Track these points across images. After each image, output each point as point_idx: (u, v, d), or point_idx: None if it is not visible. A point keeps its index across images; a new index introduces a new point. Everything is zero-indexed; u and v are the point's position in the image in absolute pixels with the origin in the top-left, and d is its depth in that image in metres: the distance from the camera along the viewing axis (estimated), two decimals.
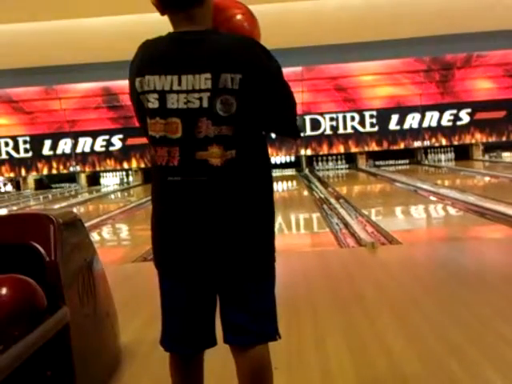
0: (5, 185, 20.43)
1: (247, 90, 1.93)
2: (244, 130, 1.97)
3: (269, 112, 2.03)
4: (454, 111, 19.53)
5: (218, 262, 2.03)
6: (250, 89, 1.94)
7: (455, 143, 19.75)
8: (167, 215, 2.04)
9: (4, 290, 2.20)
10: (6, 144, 20.23)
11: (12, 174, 20.47)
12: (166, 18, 2.05)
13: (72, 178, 20.60)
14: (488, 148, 19.74)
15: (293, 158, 20.01)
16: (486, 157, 19.50)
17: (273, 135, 2.22)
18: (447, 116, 19.60)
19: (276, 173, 18.69)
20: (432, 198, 10.87)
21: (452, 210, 9.61)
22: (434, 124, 19.63)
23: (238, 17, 2.16)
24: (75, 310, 2.63)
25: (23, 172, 20.39)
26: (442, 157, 19.86)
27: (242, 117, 1.95)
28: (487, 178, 14.55)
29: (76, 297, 2.71)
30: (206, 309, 2.12)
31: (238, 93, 1.92)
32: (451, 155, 19.89)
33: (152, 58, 1.99)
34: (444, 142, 19.75)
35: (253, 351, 2.10)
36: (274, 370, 2.19)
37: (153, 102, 1.96)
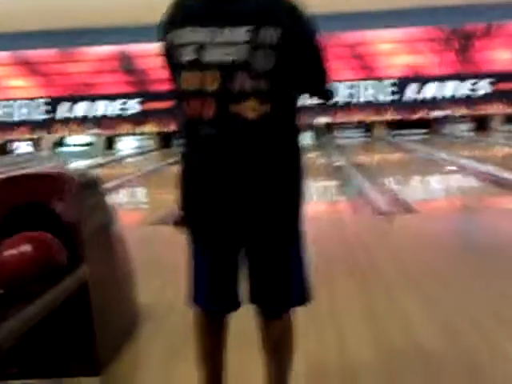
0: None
1: (286, 46, 1.91)
2: (280, 86, 1.94)
3: (304, 71, 2.03)
4: (474, 81, 19.28)
5: (247, 219, 2.00)
6: (289, 45, 1.92)
7: (474, 113, 19.55)
8: (198, 167, 2.00)
9: (25, 247, 2.21)
10: (24, 106, 20.26)
11: (30, 136, 20.54)
12: None
13: None
14: (508, 119, 19.51)
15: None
16: (506, 127, 19.28)
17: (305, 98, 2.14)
18: (467, 85, 19.36)
19: None
20: (450, 167, 10.79)
21: (470, 180, 9.55)
22: (452, 93, 19.41)
23: None
24: (94, 268, 2.64)
25: (41, 133, 20.45)
26: (461, 127, 19.66)
27: (279, 72, 1.92)
28: (506, 149, 14.40)
29: (95, 256, 2.72)
30: (233, 269, 2.12)
31: (276, 47, 1.90)
32: (470, 125, 19.69)
33: (189, 10, 1.98)
34: (463, 111, 19.55)
35: (277, 321, 2.16)
36: None
37: (189, 55, 1.93)
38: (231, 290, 2.15)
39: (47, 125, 20.30)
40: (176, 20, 1.98)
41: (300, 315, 3.42)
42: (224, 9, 1.92)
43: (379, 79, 19.50)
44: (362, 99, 19.60)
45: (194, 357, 2.26)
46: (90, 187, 2.93)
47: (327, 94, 2.19)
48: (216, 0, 1.94)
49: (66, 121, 20.24)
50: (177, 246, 5.46)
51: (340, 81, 19.44)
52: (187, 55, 1.94)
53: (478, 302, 3.52)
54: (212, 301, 2.16)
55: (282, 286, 2.11)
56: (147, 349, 3.06)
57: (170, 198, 9.56)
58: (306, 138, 19.59)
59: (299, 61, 1.98)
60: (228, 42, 1.90)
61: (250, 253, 2.09)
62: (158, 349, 3.03)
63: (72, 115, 20.19)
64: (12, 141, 20.70)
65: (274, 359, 2.19)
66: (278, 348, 2.18)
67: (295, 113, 2.06)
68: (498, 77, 19.03)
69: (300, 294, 2.17)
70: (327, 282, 4.09)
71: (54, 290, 2.21)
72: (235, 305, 2.19)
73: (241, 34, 1.89)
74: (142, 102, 19.82)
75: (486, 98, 19.32)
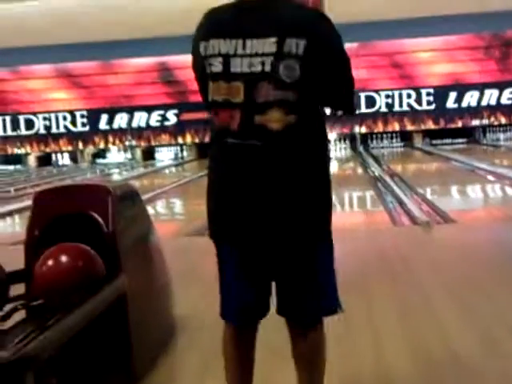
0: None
1: (311, 57, 1.92)
2: (306, 97, 1.96)
3: (328, 83, 2.02)
4: None
5: (272, 229, 1.99)
6: (314, 56, 1.93)
7: None
8: (224, 178, 2.03)
9: (65, 258, 2.25)
10: (65, 118, 20.60)
11: (70, 148, 20.86)
12: None
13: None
14: None
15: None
16: None
17: (327, 111, 2.16)
18: (507, 94, 19.10)
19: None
20: (490, 177, 10.65)
21: (510, 191, 9.41)
22: (493, 102, 19.16)
23: None
24: (132, 279, 2.66)
25: (80, 145, 20.76)
26: (501, 136, 19.40)
27: (305, 83, 1.93)
28: None
29: (133, 267, 2.75)
30: (262, 276, 2.10)
31: (302, 58, 1.91)
32: (511, 134, 19.41)
33: (217, 22, 2.02)
34: (503, 120, 19.28)
35: (310, 331, 2.13)
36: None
37: (216, 66, 1.97)
38: (263, 297, 2.14)
39: (87, 137, 20.60)
40: (205, 32, 2.02)
41: (337, 325, 3.41)
42: (250, 20, 1.95)
43: (418, 88, 19.35)
44: (400, 108, 19.48)
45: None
46: (128, 198, 2.96)
47: (351, 107, 2.18)
48: (243, 12, 1.97)
49: (105, 133, 20.51)
50: (213, 257, 5.50)
51: (377, 90, 19.37)
52: (215, 67, 1.97)
53: None
54: (243, 312, 2.15)
55: (311, 296, 2.09)
56: (182, 361, 3.07)
57: (205, 209, 9.49)
58: (344, 148, 19.54)
59: (326, 72, 1.98)
60: (253, 54, 1.92)
61: (278, 263, 2.08)
62: (193, 361, 3.05)
63: (111, 127, 20.45)
64: (52, 153, 21.05)
65: (305, 372, 2.16)
66: (309, 361, 2.16)
67: (321, 123, 2.07)
68: None
69: (329, 304, 2.14)
70: (365, 292, 4.07)
71: (93, 301, 2.24)
72: (265, 312, 2.17)
73: (266, 45, 1.91)
74: (179, 113, 19.99)
75: None
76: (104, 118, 20.40)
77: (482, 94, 19.15)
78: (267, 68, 1.91)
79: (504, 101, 19.15)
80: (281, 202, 1.98)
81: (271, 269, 2.09)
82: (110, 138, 20.54)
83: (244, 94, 1.93)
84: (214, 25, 2.02)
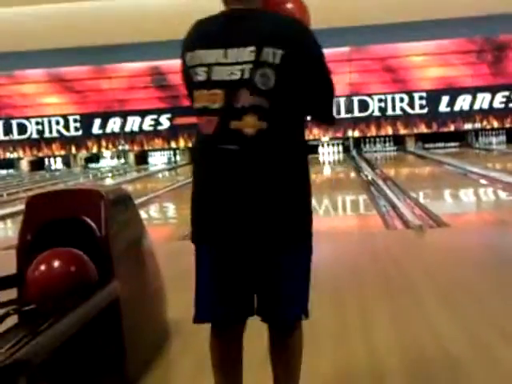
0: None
1: (287, 67, 1.99)
2: (279, 105, 2.02)
3: (306, 93, 2.08)
4: (507, 93, 19.10)
5: (248, 230, 2.05)
6: (291, 66, 2.00)
7: (507, 126, 19.34)
8: (204, 181, 2.12)
9: (57, 263, 2.25)
10: (57, 122, 20.56)
11: (62, 152, 20.82)
12: None
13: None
14: None
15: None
16: None
17: (308, 118, 2.21)
18: (499, 98, 19.17)
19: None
20: (482, 181, 10.68)
21: (503, 194, 9.44)
22: (485, 106, 19.23)
23: (289, 5, 2.21)
24: (125, 284, 2.66)
25: (73, 150, 20.72)
26: (494, 139, 19.47)
27: (279, 91, 2.00)
28: None
29: (126, 271, 2.75)
30: (243, 275, 2.11)
31: (277, 68, 1.98)
32: (503, 138, 19.48)
33: (202, 33, 2.11)
34: (496, 124, 19.35)
35: (287, 336, 2.17)
36: None
37: (201, 75, 2.06)
38: (240, 295, 2.13)
39: (79, 141, 20.57)
40: (191, 43, 2.11)
41: (329, 327, 3.42)
42: (233, 31, 2.04)
43: (411, 92, 19.41)
44: (392, 112, 19.52)
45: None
46: (121, 203, 2.96)
47: (330, 117, 2.22)
48: (227, 23, 2.07)
49: (98, 137, 20.48)
50: None
51: (370, 94, 19.41)
52: (199, 76, 2.06)
53: (508, 315, 3.48)
54: (218, 310, 2.15)
55: (286, 301, 2.11)
56: (176, 365, 3.08)
57: None
58: (337, 152, 19.58)
59: (302, 82, 2.05)
60: (233, 62, 2.01)
61: (255, 265, 2.10)
62: (186, 365, 3.05)
63: (104, 131, 20.42)
64: (45, 157, 21.01)
65: (283, 373, 2.20)
66: (286, 362, 2.19)
67: (296, 129, 2.12)
68: None
69: (303, 309, 2.16)
70: (358, 295, 4.08)
71: (85, 306, 2.24)
72: (246, 312, 2.16)
73: (245, 53, 1.99)
74: (172, 118, 20.00)
75: None
76: (97, 122, 20.37)
77: (474, 98, 19.21)
78: (246, 75, 1.99)
79: (496, 105, 19.22)
80: (256, 204, 2.04)
81: (249, 271, 2.11)
82: (103, 143, 20.52)
83: (223, 101, 2.02)
84: (200, 36, 2.11)
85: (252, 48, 1.98)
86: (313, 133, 18.46)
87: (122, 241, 2.78)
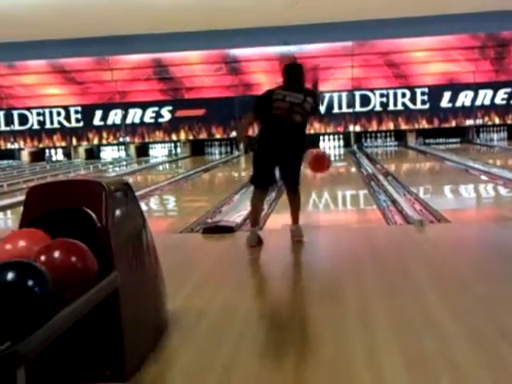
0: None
1: (311, 104, 5.60)
2: (307, 115, 5.68)
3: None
4: (509, 90, 19.08)
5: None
6: (312, 103, 5.61)
7: (509, 122, 19.32)
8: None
9: (58, 254, 2.24)
10: (58, 113, 20.56)
11: (63, 143, 20.82)
12: None
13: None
14: None
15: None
16: None
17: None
18: (501, 94, 19.16)
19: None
20: (483, 177, 10.68)
21: (503, 191, 9.43)
22: (487, 102, 19.21)
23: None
24: (125, 275, 2.66)
25: (74, 141, 20.72)
26: (495, 136, 19.46)
27: (309, 110, 5.63)
28: None
29: (126, 263, 2.74)
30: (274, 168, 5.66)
31: (310, 104, 5.60)
32: (504, 134, 19.47)
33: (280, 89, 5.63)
34: (497, 120, 19.34)
35: (294, 190, 5.69)
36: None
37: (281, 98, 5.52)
38: (273, 176, 5.66)
39: (81, 133, 20.56)
40: (273, 91, 5.59)
41: (328, 319, 3.42)
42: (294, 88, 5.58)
43: (412, 87, 19.39)
44: (394, 107, 19.51)
45: (222, 366, 2.24)
46: (122, 194, 2.95)
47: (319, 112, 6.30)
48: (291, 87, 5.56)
49: (100, 129, 20.47)
50: (205, 253, 5.52)
51: (372, 89, 19.40)
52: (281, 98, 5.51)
53: (509, 312, 3.48)
54: (264, 182, 5.65)
55: (294, 176, 5.61)
56: (175, 357, 3.07)
57: (199, 205, 9.68)
58: (338, 147, 19.56)
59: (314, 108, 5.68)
60: (295, 97, 5.49)
61: (282, 165, 5.61)
62: (185, 357, 3.04)
63: (105, 123, 20.42)
64: (46, 148, 21.01)
65: (293, 203, 5.70)
66: (294, 199, 5.69)
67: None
68: None
69: (298, 182, 5.66)
70: (358, 287, 4.09)
71: (85, 297, 2.23)
72: (274, 182, 5.77)
73: (300, 96, 5.51)
74: (173, 110, 19.98)
75: None
76: (98, 114, 20.36)
77: (476, 94, 19.19)
78: (299, 102, 5.50)
79: (498, 101, 19.20)
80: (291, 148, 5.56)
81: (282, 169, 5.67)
82: (104, 134, 20.51)
83: (289, 107, 5.48)
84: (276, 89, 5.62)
85: (301, 95, 5.54)
86: (314, 127, 18.46)
87: (122, 232, 2.77)
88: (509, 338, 3.10)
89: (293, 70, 5.69)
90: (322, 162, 6.26)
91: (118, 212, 2.75)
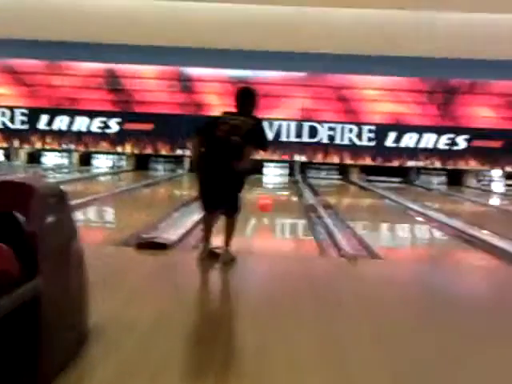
0: None
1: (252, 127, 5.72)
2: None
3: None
4: (452, 135, 19.61)
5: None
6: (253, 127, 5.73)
7: (449, 167, 19.83)
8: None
9: None
10: (3, 114, 20.15)
11: (4, 145, 20.39)
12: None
13: None
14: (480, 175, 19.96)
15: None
16: (479, 184, 19.61)
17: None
18: (444, 140, 19.66)
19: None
20: (419, 218, 10.90)
21: (437, 233, 9.64)
22: (430, 145, 19.69)
23: None
24: (49, 283, 2.62)
25: (16, 143, 20.31)
26: (435, 179, 19.93)
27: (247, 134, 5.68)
28: (477, 206, 14.60)
29: (51, 270, 2.70)
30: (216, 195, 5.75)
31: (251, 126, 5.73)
32: (444, 179, 19.96)
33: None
34: (438, 164, 19.82)
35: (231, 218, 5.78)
36: None
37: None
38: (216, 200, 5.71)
39: (24, 135, 20.18)
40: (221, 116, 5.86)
41: (255, 342, 3.45)
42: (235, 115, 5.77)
43: (360, 124, 19.72)
44: (340, 141, 19.79)
45: (144, 379, 2.23)
46: (55, 200, 2.92)
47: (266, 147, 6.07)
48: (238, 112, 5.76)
49: (44, 133, 20.13)
50: (136, 268, 5.48)
51: (321, 121, 19.66)
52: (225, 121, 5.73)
53: (432, 350, 3.55)
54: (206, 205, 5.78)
55: (231, 201, 5.70)
56: (94, 369, 3.03)
57: (137, 219, 9.56)
58: (281, 175, 19.71)
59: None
60: (239, 120, 5.68)
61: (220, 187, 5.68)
62: (107, 369, 3.01)
63: (50, 128, 20.09)
64: None
65: (227, 227, 5.75)
66: (228, 223, 5.75)
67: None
68: (477, 134, 19.37)
69: (237, 211, 5.75)
70: (294, 315, 4.12)
71: (3, 300, 2.19)
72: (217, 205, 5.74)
73: (243, 119, 5.67)
74: (122, 122, 19.82)
75: (462, 154, 19.63)
76: (44, 118, 20.04)
77: (420, 137, 19.65)
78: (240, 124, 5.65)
79: (441, 146, 19.69)
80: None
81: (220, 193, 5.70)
82: (48, 140, 20.17)
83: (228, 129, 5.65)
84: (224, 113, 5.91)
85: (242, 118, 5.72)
86: (259, 153, 18.56)
87: (51, 239, 2.73)
88: (429, 374, 3.17)
89: (242, 95, 5.79)
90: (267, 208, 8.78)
91: (48, 218, 2.71)
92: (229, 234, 5.76)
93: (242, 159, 5.60)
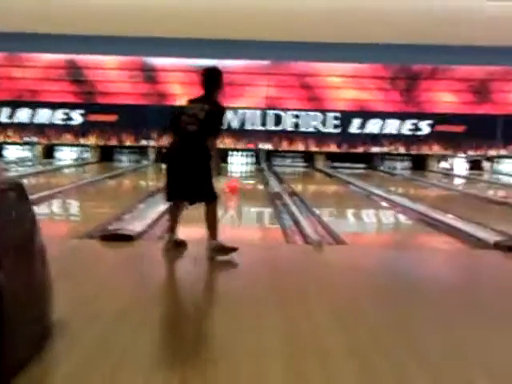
0: None
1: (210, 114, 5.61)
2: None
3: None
4: (415, 121, 19.80)
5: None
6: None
7: (412, 152, 20.04)
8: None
9: None
10: None
11: None
12: None
13: None
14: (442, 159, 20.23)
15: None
16: (441, 168, 19.87)
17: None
18: (407, 125, 19.85)
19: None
20: (384, 204, 11.00)
21: (402, 218, 9.75)
22: (393, 131, 19.87)
23: None
24: (10, 277, 2.59)
25: None
26: (398, 165, 20.12)
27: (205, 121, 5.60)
28: (439, 190, 14.79)
29: (12, 264, 2.68)
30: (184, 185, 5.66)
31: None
32: (407, 164, 20.17)
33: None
34: (402, 150, 20.02)
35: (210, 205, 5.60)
36: None
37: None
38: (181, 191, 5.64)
39: None
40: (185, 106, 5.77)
41: (223, 333, 3.46)
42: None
43: (324, 111, 19.81)
44: (305, 129, 19.86)
45: (106, 373, 2.23)
46: (12, 194, 2.89)
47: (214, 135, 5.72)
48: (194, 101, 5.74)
49: (5, 126, 19.84)
50: (101, 260, 5.45)
51: (285, 109, 19.69)
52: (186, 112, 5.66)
53: (392, 334, 3.60)
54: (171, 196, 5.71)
55: (200, 188, 5.57)
56: (59, 362, 3.02)
57: (101, 212, 9.49)
58: (246, 164, 19.72)
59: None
60: (198, 107, 5.62)
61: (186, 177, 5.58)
62: (69, 362, 3.00)
63: (11, 121, 19.81)
64: None
65: (206, 217, 5.55)
66: (207, 212, 5.57)
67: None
68: (438, 118, 19.60)
69: (215, 197, 5.61)
70: (252, 305, 4.13)
71: None
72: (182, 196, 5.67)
73: (201, 106, 5.61)
74: (85, 114, 19.63)
75: (426, 139, 19.86)
76: (5, 111, 19.74)
77: (384, 123, 19.82)
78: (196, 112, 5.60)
79: (404, 131, 19.89)
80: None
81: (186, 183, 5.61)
82: (10, 133, 19.89)
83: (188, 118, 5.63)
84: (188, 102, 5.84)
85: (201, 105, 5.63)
86: (224, 142, 18.54)
87: (9, 233, 2.71)
88: (388, 356, 3.22)
89: (204, 76, 5.71)
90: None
91: (6, 212, 2.68)
92: (210, 224, 5.53)
93: (209, 153, 5.56)
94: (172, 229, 5.79)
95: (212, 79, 5.71)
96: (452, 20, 17.51)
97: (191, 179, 5.57)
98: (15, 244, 2.80)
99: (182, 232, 5.89)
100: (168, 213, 5.97)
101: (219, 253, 5.50)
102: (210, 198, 5.59)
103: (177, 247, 5.73)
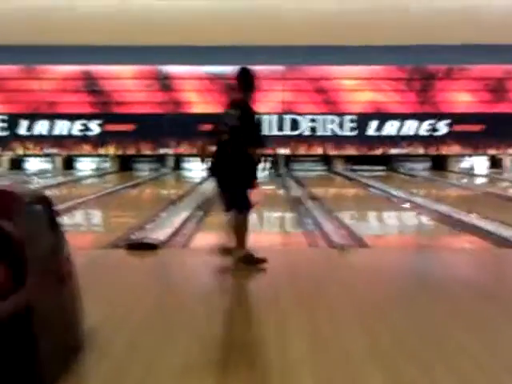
0: None
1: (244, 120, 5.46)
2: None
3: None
4: (433, 121, 19.69)
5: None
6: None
7: (432, 153, 19.92)
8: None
9: None
10: None
11: None
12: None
13: None
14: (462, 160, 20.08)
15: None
16: (461, 168, 19.73)
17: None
18: (425, 126, 19.74)
19: None
20: (405, 205, 10.94)
21: (424, 219, 9.69)
22: (411, 132, 19.77)
23: None
24: (39, 290, 2.60)
25: None
26: (418, 166, 20.00)
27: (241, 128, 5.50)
28: (460, 190, 14.68)
29: (40, 277, 2.68)
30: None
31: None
32: (427, 165, 20.05)
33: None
34: (421, 151, 19.91)
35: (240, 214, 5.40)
36: None
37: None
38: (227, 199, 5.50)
39: (4, 142, 20.02)
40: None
41: (242, 339, 3.45)
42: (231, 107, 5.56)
43: (341, 114, 19.75)
44: (323, 133, 19.81)
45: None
46: (39, 207, 2.89)
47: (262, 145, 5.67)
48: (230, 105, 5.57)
49: (25, 139, 19.99)
50: (126, 270, 5.45)
51: (302, 114, 19.65)
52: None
53: (418, 336, 3.57)
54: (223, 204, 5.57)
55: (234, 197, 5.40)
56: (91, 373, 3.02)
57: (124, 221, 9.50)
58: (265, 169, 19.69)
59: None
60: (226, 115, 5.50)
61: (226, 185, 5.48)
62: (101, 373, 3.00)
63: (31, 133, 19.95)
64: None
65: (234, 225, 5.37)
66: (235, 221, 5.40)
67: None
68: (456, 118, 19.47)
69: (246, 207, 5.42)
70: (277, 310, 4.11)
71: None
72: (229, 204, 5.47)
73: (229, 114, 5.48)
74: (102, 124, 19.72)
75: (444, 139, 19.73)
76: (24, 123, 19.89)
77: (401, 124, 19.72)
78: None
79: (422, 132, 19.78)
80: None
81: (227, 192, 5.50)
82: (30, 145, 20.04)
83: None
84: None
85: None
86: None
87: (38, 246, 2.71)
88: (415, 360, 3.19)
89: (237, 78, 5.56)
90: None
91: (34, 224, 2.69)
92: (237, 232, 5.35)
93: (249, 160, 5.40)
94: (242, 243, 5.40)
95: (248, 81, 5.52)
96: (466, 19, 17.41)
97: (230, 187, 5.43)
98: (43, 255, 2.81)
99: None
100: (232, 227, 5.47)
101: (246, 263, 5.35)
102: (241, 208, 5.40)
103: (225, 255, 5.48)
